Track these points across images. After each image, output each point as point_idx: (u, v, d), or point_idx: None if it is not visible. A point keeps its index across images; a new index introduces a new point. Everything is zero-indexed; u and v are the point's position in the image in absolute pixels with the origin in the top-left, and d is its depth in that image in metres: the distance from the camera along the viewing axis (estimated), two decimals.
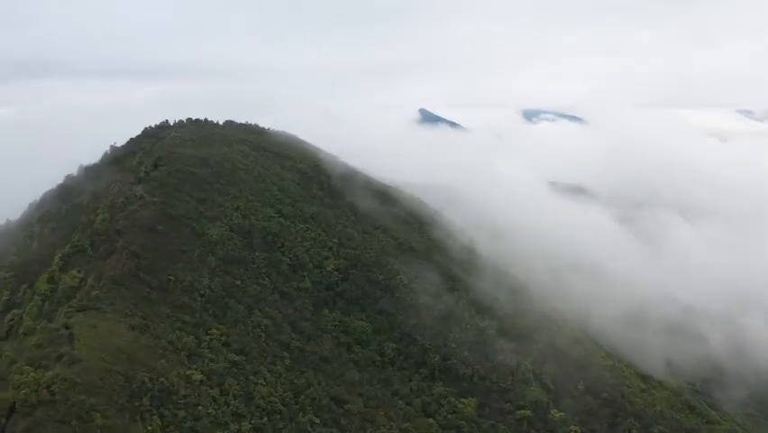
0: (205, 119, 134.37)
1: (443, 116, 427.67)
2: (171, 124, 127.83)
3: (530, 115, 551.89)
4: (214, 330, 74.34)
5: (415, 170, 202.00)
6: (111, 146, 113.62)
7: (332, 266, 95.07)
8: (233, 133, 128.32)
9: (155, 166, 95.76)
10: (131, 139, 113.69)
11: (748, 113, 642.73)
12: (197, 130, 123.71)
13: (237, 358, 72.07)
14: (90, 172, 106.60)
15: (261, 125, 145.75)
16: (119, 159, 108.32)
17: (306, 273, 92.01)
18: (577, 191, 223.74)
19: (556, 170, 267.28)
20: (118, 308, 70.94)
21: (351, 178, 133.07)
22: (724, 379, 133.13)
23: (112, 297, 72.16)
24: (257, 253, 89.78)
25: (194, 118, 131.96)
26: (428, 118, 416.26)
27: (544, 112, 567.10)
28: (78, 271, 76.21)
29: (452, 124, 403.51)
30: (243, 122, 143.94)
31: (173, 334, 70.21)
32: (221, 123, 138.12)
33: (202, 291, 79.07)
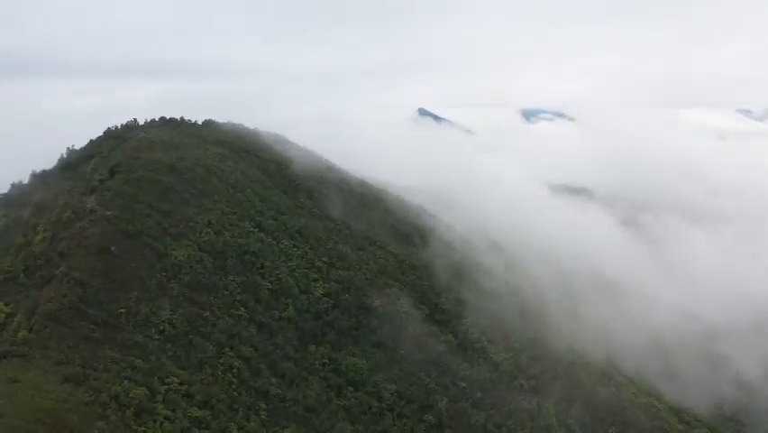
0: (181, 118, 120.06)
1: (441, 116, 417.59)
2: (141, 123, 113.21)
3: (529, 115, 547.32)
4: (173, 378, 60.21)
5: (413, 171, 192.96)
6: (68, 149, 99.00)
7: (321, 290, 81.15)
8: (212, 134, 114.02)
9: (112, 173, 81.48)
10: (90, 141, 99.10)
11: (747, 112, 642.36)
12: (170, 131, 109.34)
13: (200, 414, 57.99)
14: (39, 180, 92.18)
15: (255, 126, 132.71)
16: (74, 164, 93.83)
17: (289, 300, 78.00)
18: (578, 193, 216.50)
19: (556, 171, 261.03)
20: (51, 354, 56.69)
21: (345, 184, 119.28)
22: (752, 403, 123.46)
23: (44, 338, 57.92)
24: (231, 278, 75.66)
25: (168, 117, 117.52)
26: (427, 118, 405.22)
27: (543, 112, 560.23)
28: (7, 305, 61.89)
29: (451, 124, 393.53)
30: (226, 121, 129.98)
31: (119, 385, 56.00)
32: (200, 122, 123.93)
33: (161, 327, 64.98)
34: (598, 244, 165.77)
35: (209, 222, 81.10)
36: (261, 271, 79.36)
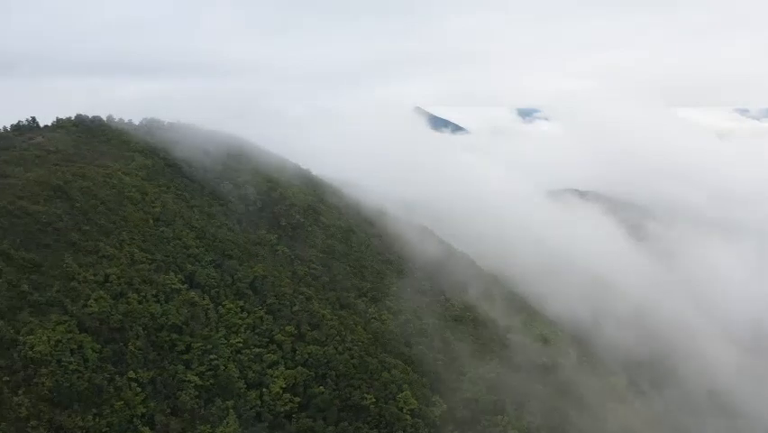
0: (109, 116, 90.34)
1: (436, 114, 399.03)
2: (51, 122, 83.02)
3: (525, 114, 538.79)
4: None
5: (408, 172, 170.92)
6: None
7: (281, 383, 52.51)
8: (143, 139, 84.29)
9: None
10: None
11: (745, 111, 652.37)
12: (84, 134, 79.62)
13: None
14: None
15: (252, 127, 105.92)
16: None
17: (230, 404, 49.28)
18: (578, 196, 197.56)
19: (553, 172, 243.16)
20: None
21: (329, 204, 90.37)
22: None
23: None
24: (132, 374, 46.72)
25: (91, 116, 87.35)
26: (424, 117, 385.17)
27: (540, 111, 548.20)
28: None
29: (446, 123, 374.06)
30: (176, 121, 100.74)
31: None
32: (136, 122, 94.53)
33: None
34: (611, 258, 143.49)
35: (106, 278, 51.91)
36: (186, 356, 50.47)
